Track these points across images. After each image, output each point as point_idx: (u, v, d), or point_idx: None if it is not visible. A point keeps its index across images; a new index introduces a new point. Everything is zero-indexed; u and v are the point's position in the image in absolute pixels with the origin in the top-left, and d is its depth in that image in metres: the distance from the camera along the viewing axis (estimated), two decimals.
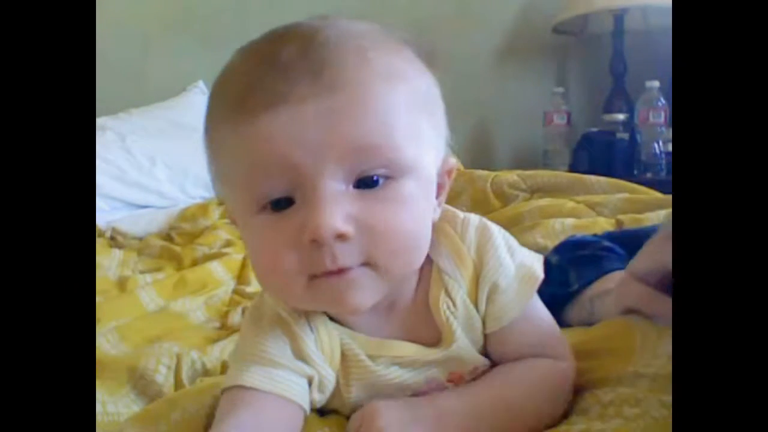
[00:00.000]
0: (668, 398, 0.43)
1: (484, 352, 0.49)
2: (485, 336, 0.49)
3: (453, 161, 0.48)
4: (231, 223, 0.48)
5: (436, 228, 0.47)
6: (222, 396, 0.46)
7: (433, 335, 0.48)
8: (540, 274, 0.48)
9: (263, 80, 0.40)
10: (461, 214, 0.49)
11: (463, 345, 0.47)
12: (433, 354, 0.47)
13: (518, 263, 0.47)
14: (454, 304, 0.47)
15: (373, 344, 0.47)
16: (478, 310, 0.47)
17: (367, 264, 0.42)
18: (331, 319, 0.48)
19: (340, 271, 0.41)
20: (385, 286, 0.43)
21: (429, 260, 0.47)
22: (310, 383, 0.47)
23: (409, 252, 0.44)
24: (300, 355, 0.46)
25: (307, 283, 0.42)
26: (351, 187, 0.41)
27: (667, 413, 0.42)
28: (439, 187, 0.47)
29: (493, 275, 0.46)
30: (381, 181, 0.41)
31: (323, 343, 0.47)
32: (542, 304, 0.50)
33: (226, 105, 0.42)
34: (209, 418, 0.49)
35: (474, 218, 0.48)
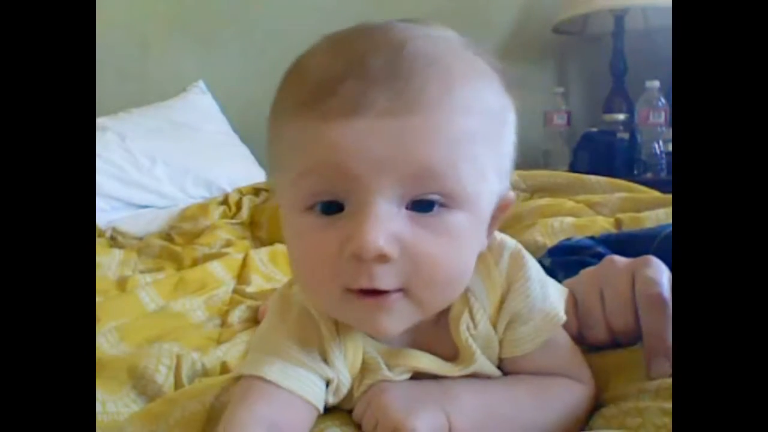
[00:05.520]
0: (669, 406, 0.43)
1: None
2: (500, 358, 0.48)
3: (511, 195, 0.47)
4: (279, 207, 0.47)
5: None
6: (239, 382, 0.46)
7: (451, 350, 0.47)
8: (563, 316, 0.47)
9: (343, 85, 0.39)
10: (498, 236, 0.48)
11: (483, 364, 0.47)
12: (451, 371, 0.47)
13: (544, 298, 0.47)
14: (476, 326, 0.46)
15: (393, 353, 0.47)
16: (496, 333, 0.47)
17: (403, 290, 0.41)
18: None
19: (375, 293, 0.41)
20: (418, 315, 0.43)
21: None
22: (327, 385, 0.47)
23: (448, 286, 0.43)
24: (324, 357, 0.46)
25: (340, 295, 0.42)
26: (404, 208, 0.40)
27: (668, 420, 0.42)
28: (492, 219, 0.46)
29: (517, 304, 0.46)
30: (435, 207, 0.41)
31: (347, 349, 0.47)
32: (564, 334, 0.49)
33: (299, 97, 0.41)
34: (209, 418, 0.49)
35: (510, 243, 0.48)
